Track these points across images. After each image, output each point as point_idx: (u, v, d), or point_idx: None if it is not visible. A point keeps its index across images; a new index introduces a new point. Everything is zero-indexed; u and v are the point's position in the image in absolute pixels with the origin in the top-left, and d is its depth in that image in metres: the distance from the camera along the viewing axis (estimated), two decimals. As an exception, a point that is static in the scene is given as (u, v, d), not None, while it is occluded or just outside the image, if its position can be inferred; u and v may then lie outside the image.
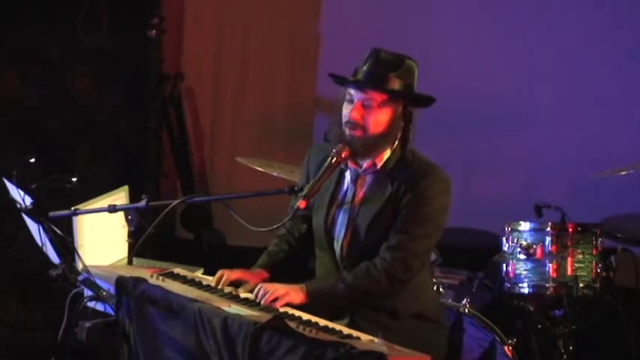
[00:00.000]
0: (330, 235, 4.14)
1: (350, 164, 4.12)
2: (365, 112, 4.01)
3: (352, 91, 4.03)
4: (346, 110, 4.04)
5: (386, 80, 4.00)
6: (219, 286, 4.05)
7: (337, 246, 4.13)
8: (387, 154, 4.08)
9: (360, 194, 4.11)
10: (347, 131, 4.03)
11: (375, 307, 4.04)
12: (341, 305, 4.03)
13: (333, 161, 4.04)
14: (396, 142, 4.08)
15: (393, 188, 4.03)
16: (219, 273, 4.11)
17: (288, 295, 3.93)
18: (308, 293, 3.97)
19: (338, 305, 4.02)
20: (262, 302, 3.89)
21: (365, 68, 4.03)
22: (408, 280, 4.03)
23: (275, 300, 3.91)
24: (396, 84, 4.00)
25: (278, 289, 3.94)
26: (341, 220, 4.12)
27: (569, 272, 5.23)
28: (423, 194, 4.00)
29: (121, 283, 3.88)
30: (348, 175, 4.15)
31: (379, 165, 4.09)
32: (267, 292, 3.92)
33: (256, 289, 3.97)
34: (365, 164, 4.10)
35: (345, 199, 4.13)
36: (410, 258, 4.01)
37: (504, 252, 5.35)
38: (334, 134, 4.08)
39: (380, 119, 4.01)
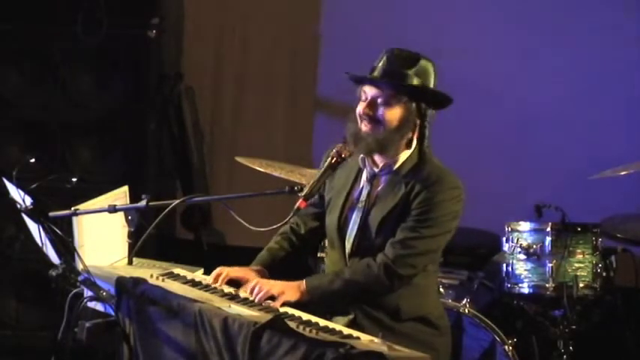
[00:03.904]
0: (343, 232, 4.14)
1: (367, 164, 4.12)
2: (379, 107, 4.01)
3: (367, 89, 4.04)
4: (360, 107, 4.05)
5: (401, 77, 4.00)
6: (218, 283, 4.04)
7: (348, 244, 4.13)
8: (404, 155, 4.08)
9: (374, 194, 4.11)
10: (362, 127, 4.03)
11: (378, 306, 4.03)
12: (339, 300, 4.01)
13: (333, 161, 4.05)
14: (414, 143, 4.08)
15: (406, 189, 4.03)
16: (217, 270, 4.10)
17: (283, 294, 3.92)
18: (306, 289, 3.97)
19: (335, 300, 4.01)
20: (257, 300, 3.89)
21: (380, 65, 4.04)
22: (408, 277, 4.01)
23: (270, 298, 3.90)
24: (410, 80, 4.01)
25: (274, 286, 3.94)
26: (354, 219, 4.12)
27: (569, 272, 5.23)
28: (433, 199, 3.99)
29: (121, 283, 3.88)
30: (364, 175, 4.16)
31: (395, 166, 4.08)
32: (262, 290, 3.92)
33: (252, 285, 3.96)
34: (381, 164, 4.10)
35: (359, 198, 4.13)
36: (412, 255, 3.99)
37: (504, 252, 5.35)
38: (351, 132, 4.07)
39: (393, 115, 4.00)
